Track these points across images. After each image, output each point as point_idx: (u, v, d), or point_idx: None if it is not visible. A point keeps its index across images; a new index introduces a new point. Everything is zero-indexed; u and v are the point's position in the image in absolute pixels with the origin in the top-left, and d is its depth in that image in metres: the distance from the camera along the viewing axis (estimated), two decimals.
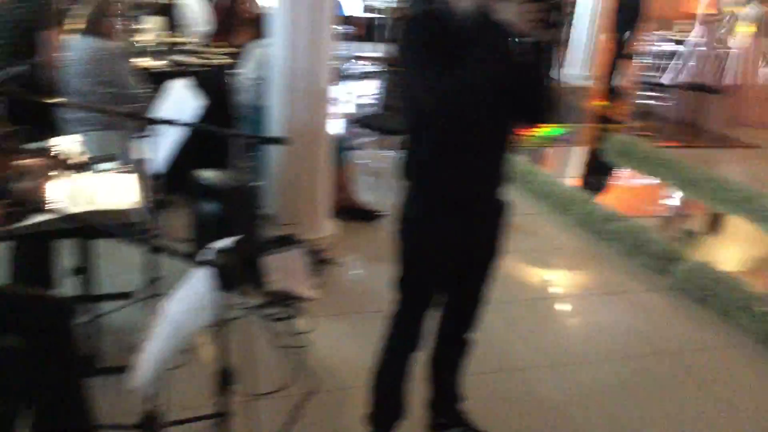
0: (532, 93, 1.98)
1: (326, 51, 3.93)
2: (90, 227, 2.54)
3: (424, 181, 2.14)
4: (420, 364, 2.52)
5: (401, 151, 2.20)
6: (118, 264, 3.80)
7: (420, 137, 2.09)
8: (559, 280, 4.34)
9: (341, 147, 4.55)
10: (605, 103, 9.31)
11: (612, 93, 9.45)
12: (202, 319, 1.57)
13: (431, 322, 2.41)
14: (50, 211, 2.34)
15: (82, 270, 3.26)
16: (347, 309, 3.70)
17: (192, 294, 1.67)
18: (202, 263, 1.41)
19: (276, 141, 2.09)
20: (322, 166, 4.16)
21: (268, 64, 4.05)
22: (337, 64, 4.20)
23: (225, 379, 1.47)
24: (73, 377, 2.26)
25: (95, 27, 3.59)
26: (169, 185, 2.65)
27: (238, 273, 1.38)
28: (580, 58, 10.06)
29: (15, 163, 2.23)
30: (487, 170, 2.13)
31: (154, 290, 3.43)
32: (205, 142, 4.37)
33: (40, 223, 2.26)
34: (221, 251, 1.46)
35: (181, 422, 2.57)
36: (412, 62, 1.99)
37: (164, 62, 4.54)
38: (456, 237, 2.18)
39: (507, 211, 2.29)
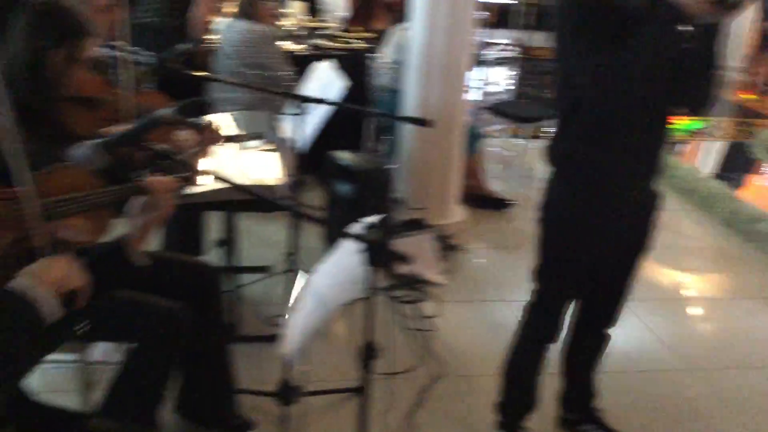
0: (700, 80, 1.86)
1: (465, 35, 3.90)
2: (237, 201, 2.65)
3: (574, 167, 2.07)
4: (555, 356, 2.46)
5: (549, 136, 2.14)
6: (258, 238, 3.98)
7: (573, 121, 2.02)
8: (700, 282, 4.11)
9: (473, 134, 4.51)
10: (753, 96, 8.68)
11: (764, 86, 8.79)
12: (349, 293, 1.59)
13: (569, 313, 2.35)
14: (203, 183, 2.46)
15: (225, 242, 3.44)
16: (473, 296, 3.68)
17: (341, 268, 1.70)
18: (352, 238, 1.43)
19: (419, 122, 2.08)
20: (454, 151, 4.14)
21: (406, 47, 4.07)
22: (474, 50, 4.15)
23: (368, 354, 1.49)
24: (220, 342, 2.37)
25: (248, 10, 3.74)
26: (307, 165, 2.72)
27: (387, 249, 1.39)
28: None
29: (174, 136, 2.36)
30: (643, 158, 2.03)
31: (292, 264, 3.57)
32: (341, 124, 4.50)
33: (194, 195, 2.39)
34: (371, 226, 1.47)
35: (318, 393, 2.66)
36: (571, 42, 1.91)
37: (305, 46, 4.66)
38: (605, 226, 2.09)
39: (659, 204, 2.18)
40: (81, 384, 2.08)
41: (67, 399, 2.21)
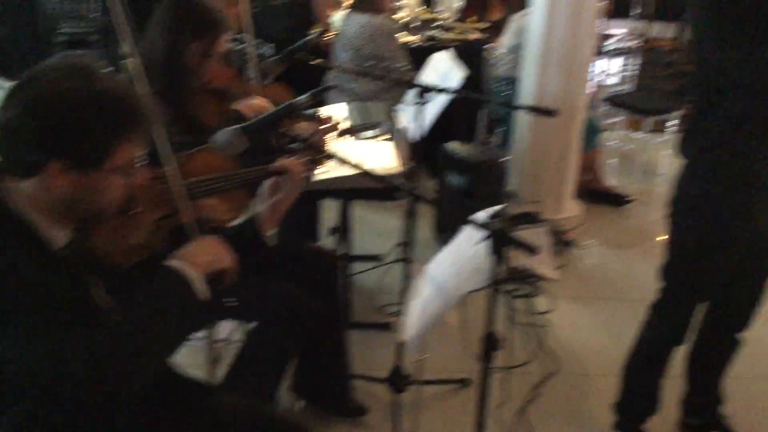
0: None
1: (588, 23, 3.77)
2: (352, 189, 2.69)
3: (712, 161, 1.95)
4: (679, 358, 2.35)
5: (678, 129, 2.04)
6: (369, 228, 4.04)
7: (712, 114, 1.90)
8: None
9: (591, 126, 4.37)
10: None
11: None
12: (471, 283, 1.58)
13: (698, 315, 2.23)
14: (326, 170, 2.52)
15: (338, 230, 3.50)
16: (588, 294, 3.57)
17: (462, 257, 1.69)
18: (477, 226, 1.42)
19: (544, 111, 2.03)
20: (573, 144, 4.03)
21: (525, 35, 4.00)
22: (596, 39, 4.02)
23: (489, 345, 1.47)
24: (338, 326, 2.42)
25: (367, 3, 3.77)
26: (420, 156, 2.72)
27: (513, 238, 1.36)
28: None
29: (297, 125, 2.42)
30: None
31: (404, 254, 3.59)
32: (455, 115, 4.48)
33: (314, 182, 2.45)
34: (495, 216, 1.45)
35: (430, 383, 2.67)
36: (714, 32, 1.80)
37: (420, 38, 4.66)
38: (744, 224, 1.97)
39: None
40: (207, 360, 2.18)
41: (194, 373, 2.33)
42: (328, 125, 2.52)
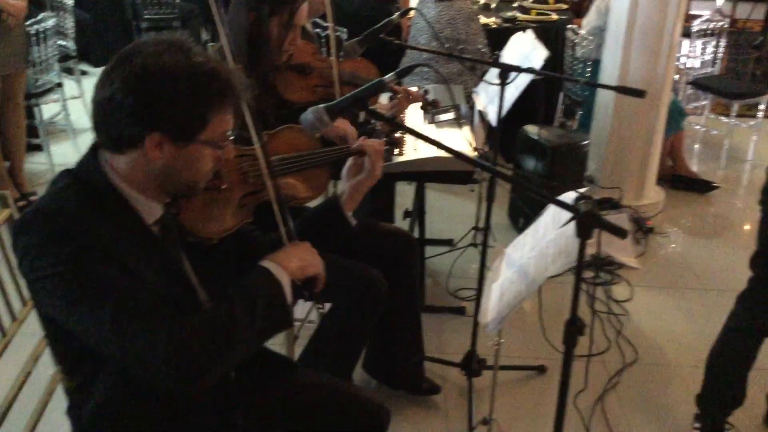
0: None
1: (675, 3, 3.63)
2: (428, 172, 2.68)
3: None
4: (766, 350, 2.26)
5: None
6: (441, 212, 4.03)
7: None
8: None
9: (675, 110, 4.21)
10: None
11: None
12: (556, 266, 1.55)
13: None
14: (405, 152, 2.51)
15: (411, 213, 3.51)
16: (669, 282, 3.46)
17: (546, 240, 1.66)
18: (563, 208, 1.38)
19: (634, 92, 1.96)
20: (656, 128, 3.90)
21: (608, 16, 3.88)
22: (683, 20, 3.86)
23: (573, 330, 1.44)
24: (413, 308, 2.42)
25: None
26: (496, 139, 2.68)
27: (600, 221, 1.32)
28: None
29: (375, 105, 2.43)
30: None
31: (478, 238, 3.57)
32: (532, 97, 4.39)
33: (392, 164, 2.45)
34: (580, 198, 1.41)
35: (504, 368, 2.65)
36: None
37: (498, 19, 4.59)
38: None
39: None
40: (286, 338, 2.22)
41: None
42: (411, 98, 2.51)
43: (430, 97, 2.57)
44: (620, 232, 1.32)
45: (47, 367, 1.39)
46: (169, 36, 1.27)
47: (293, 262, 1.39)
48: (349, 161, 1.65)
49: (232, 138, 1.35)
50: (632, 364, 2.80)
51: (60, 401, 1.61)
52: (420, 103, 2.57)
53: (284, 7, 2.08)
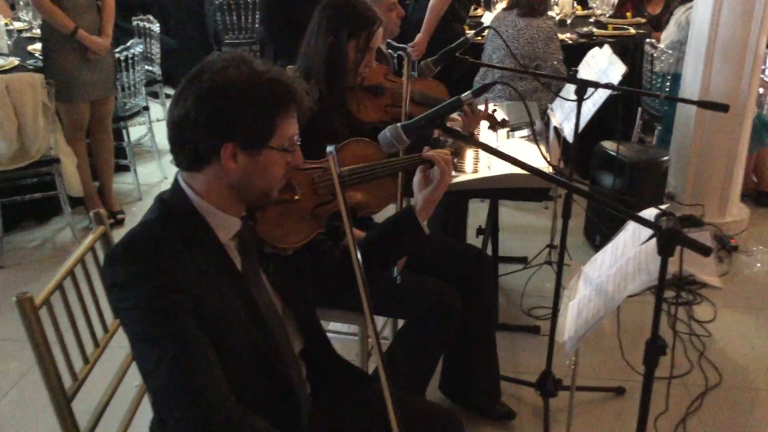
0: None
1: (759, 16, 3.51)
2: (502, 189, 2.67)
3: None
4: None
5: None
6: (514, 229, 3.99)
7: None
8: None
9: (759, 125, 4.06)
10: None
11: None
12: (635, 284, 1.52)
13: None
14: (471, 170, 2.52)
15: (484, 231, 3.49)
16: (754, 303, 3.33)
17: (625, 258, 1.63)
18: (645, 225, 1.36)
19: (716, 107, 1.91)
20: (740, 143, 3.77)
21: (688, 29, 3.79)
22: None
23: (654, 350, 1.41)
24: (488, 327, 2.41)
25: (526, 8, 3.70)
26: (572, 155, 2.65)
27: (683, 238, 1.29)
28: None
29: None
30: None
31: (552, 256, 3.52)
32: (609, 112, 4.32)
33: (462, 182, 2.46)
34: (663, 215, 1.39)
35: (581, 389, 2.60)
36: None
37: (575, 35, 4.54)
38: None
39: None
40: (360, 353, 2.24)
41: None
42: (485, 115, 2.51)
43: (499, 116, 2.57)
44: (704, 250, 1.29)
45: (137, 376, 1.46)
46: (231, 53, 1.36)
47: None
48: (418, 174, 1.67)
49: (299, 144, 1.40)
50: (715, 387, 2.70)
51: (147, 412, 1.69)
52: (488, 123, 2.57)
53: (362, 32, 2.14)
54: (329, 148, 1.43)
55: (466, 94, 1.46)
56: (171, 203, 1.36)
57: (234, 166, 1.31)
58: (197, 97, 1.28)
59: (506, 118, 2.60)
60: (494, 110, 2.55)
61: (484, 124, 2.62)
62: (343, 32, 2.14)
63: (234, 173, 1.32)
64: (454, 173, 2.48)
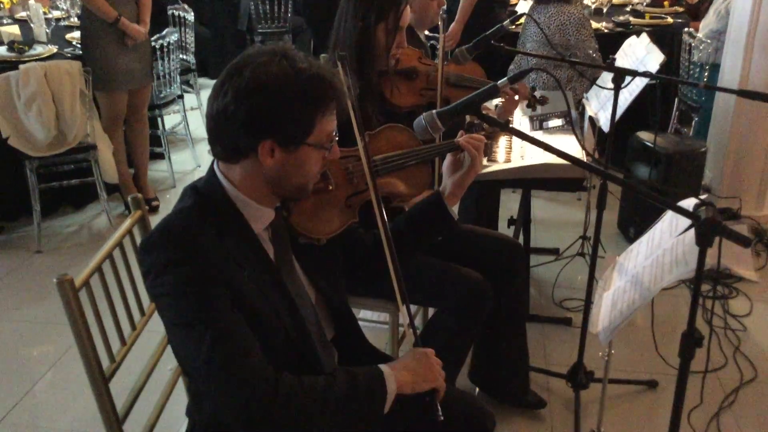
0: None
1: None
2: (535, 180, 2.65)
3: None
4: None
5: None
6: (546, 220, 3.96)
7: None
8: None
9: None
10: None
11: None
12: (672, 275, 1.50)
13: None
14: (503, 159, 2.50)
15: (516, 221, 3.46)
16: None
17: (662, 249, 1.61)
18: (683, 214, 1.34)
19: (758, 96, 1.87)
20: None
21: (727, 18, 3.71)
22: None
23: (690, 343, 1.39)
24: (519, 317, 2.40)
25: None
26: (608, 145, 2.62)
27: (722, 228, 1.27)
28: None
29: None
30: None
31: (585, 248, 3.49)
32: (646, 102, 4.24)
33: (494, 172, 2.44)
34: (702, 204, 1.36)
35: (613, 381, 2.57)
36: None
37: (611, 23, 4.47)
38: None
39: None
40: (391, 341, 2.25)
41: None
42: (519, 96, 2.49)
43: (538, 94, 2.55)
44: (744, 240, 1.26)
45: (172, 360, 1.48)
46: (273, 46, 1.33)
47: (408, 376, 1.40)
48: (448, 158, 1.66)
49: (337, 138, 1.40)
50: (751, 382, 2.66)
51: (182, 395, 1.71)
52: (526, 101, 2.54)
53: (390, 13, 2.12)
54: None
55: (502, 80, 1.45)
56: (206, 192, 1.37)
57: (271, 161, 1.31)
58: (237, 93, 1.27)
59: (545, 96, 2.58)
60: (533, 87, 2.53)
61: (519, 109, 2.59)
62: (371, 16, 2.12)
63: (271, 168, 1.32)
64: (486, 162, 2.49)
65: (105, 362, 1.53)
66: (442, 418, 1.38)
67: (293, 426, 1.27)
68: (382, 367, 1.39)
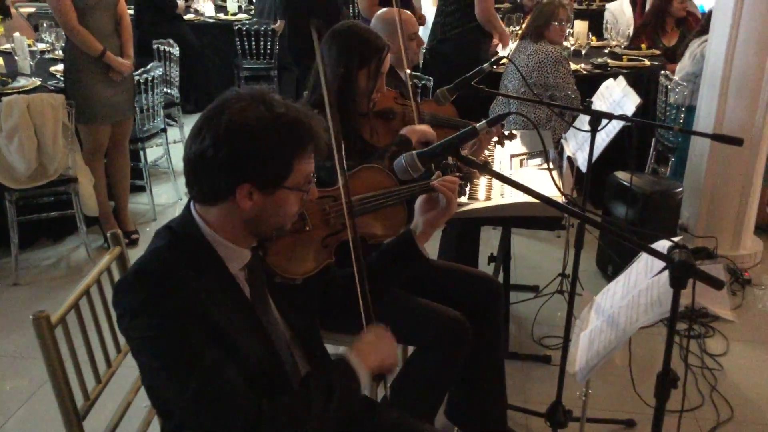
0: None
1: None
2: (515, 217, 2.67)
3: None
4: None
5: None
6: (525, 258, 3.98)
7: None
8: None
9: None
10: None
11: None
12: (647, 316, 1.52)
13: None
14: (482, 197, 2.52)
15: (496, 258, 3.48)
16: (767, 337, 3.29)
17: (637, 290, 1.63)
18: (657, 256, 1.36)
19: (730, 140, 1.92)
20: (753, 176, 3.76)
21: (702, 61, 3.80)
22: None
23: (665, 384, 1.40)
24: (496, 355, 2.40)
25: (537, 32, 3.76)
26: (586, 185, 2.66)
27: (695, 270, 1.29)
28: None
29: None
30: None
31: (564, 285, 3.51)
32: (623, 143, 4.32)
33: (475, 209, 2.46)
34: (674, 247, 1.39)
35: (594, 420, 2.57)
36: None
37: (590, 65, 4.57)
38: None
39: None
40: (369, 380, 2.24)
41: None
42: (487, 138, 2.54)
43: (506, 131, 2.60)
44: (716, 283, 1.28)
45: (146, 398, 1.47)
46: (251, 90, 1.34)
47: (373, 358, 1.45)
48: (422, 196, 1.68)
49: (315, 179, 1.41)
50: (727, 422, 2.68)
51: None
52: (496, 138, 2.59)
53: (372, 60, 2.16)
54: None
55: (481, 123, 1.48)
56: (181, 232, 1.36)
57: (249, 204, 1.31)
58: (215, 137, 1.27)
59: (513, 132, 2.63)
60: (502, 125, 2.58)
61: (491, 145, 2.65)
62: (354, 62, 2.16)
63: (248, 211, 1.33)
64: (467, 200, 2.51)
65: (79, 400, 1.51)
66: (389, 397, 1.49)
67: None
68: (350, 357, 1.42)
